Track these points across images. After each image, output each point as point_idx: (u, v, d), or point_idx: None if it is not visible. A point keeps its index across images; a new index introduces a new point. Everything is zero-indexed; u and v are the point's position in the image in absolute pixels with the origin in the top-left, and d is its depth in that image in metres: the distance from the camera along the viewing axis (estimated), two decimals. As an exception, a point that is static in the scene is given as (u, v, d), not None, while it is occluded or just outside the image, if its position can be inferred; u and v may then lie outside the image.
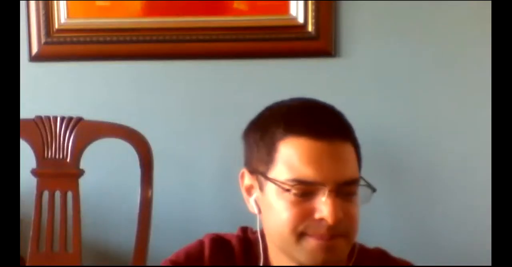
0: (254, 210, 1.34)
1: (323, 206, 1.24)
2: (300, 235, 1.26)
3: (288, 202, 1.26)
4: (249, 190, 1.34)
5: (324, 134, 1.26)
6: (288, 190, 1.25)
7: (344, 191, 1.26)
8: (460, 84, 2.35)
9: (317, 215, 1.25)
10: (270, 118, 1.32)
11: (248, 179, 1.34)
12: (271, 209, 1.28)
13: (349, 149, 1.28)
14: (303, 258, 1.28)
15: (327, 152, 1.26)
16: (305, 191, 1.25)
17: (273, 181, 1.27)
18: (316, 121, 1.28)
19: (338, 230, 1.25)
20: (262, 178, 1.30)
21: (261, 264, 1.36)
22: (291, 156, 1.26)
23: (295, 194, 1.25)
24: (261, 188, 1.31)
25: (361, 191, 1.30)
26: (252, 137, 1.33)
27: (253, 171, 1.32)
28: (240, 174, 1.36)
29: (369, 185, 1.30)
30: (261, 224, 1.34)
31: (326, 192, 1.24)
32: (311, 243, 1.26)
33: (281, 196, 1.26)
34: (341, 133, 1.28)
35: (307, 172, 1.25)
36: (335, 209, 1.23)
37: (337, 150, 1.26)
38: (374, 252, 1.40)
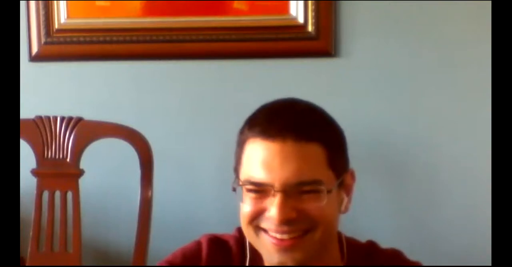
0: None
1: (271, 206, 1.26)
2: (256, 228, 1.29)
3: (249, 200, 1.29)
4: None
5: (277, 135, 1.27)
6: (234, 190, 1.30)
7: (301, 191, 1.27)
8: (460, 84, 2.35)
9: (266, 214, 1.28)
10: (246, 121, 1.35)
11: None
12: (240, 206, 1.32)
13: (309, 149, 1.27)
14: (264, 256, 1.32)
15: (278, 152, 1.26)
16: (258, 191, 1.28)
17: (237, 180, 1.31)
18: (271, 121, 1.30)
19: (294, 229, 1.27)
20: (236, 178, 1.34)
21: (247, 264, 1.37)
22: (248, 156, 1.30)
23: (252, 193, 1.28)
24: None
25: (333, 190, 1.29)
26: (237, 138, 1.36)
27: (234, 171, 1.36)
28: None
29: (325, 187, 1.28)
30: None
31: (273, 192, 1.26)
32: (266, 240, 1.29)
33: (246, 194, 1.30)
34: (297, 133, 1.27)
35: (256, 173, 1.28)
36: (282, 209, 1.25)
37: (289, 150, 1.26)
38: (388, 252, 1.40)
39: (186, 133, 2.42)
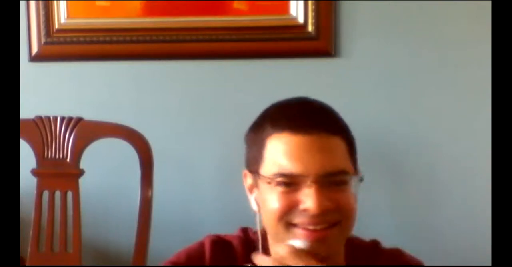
0: (255, 208, 1.36)
1: (307, 198, 1.27)
2: (288, 224, 1.29)
3: (277, 195, 1.29)
4: (251, 189, 1.37)
5: (303, 128, 1.29)
6: (270, 183, 1.29)
7: (331, 181, 1.28)
8: (460, 84, 2.35)
9: (301, 207, 1.28)
10: (262, 117, 1.36)
11: (249, 179, 1.38)
12: (265, 203, 1.32)
13: (334, 141, 1.30)
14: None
15: (307, 145, 1.28)
16: (289, 184, 1.29)
17: (262, 177, 1.31)
18: (296, 116, 1.32)
19: (327, 219, 1.28)
20: (256, 176, 1.33)
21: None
22: (275, 151, 1.30)
23: (282, 187, 1.29)
24: (257, 185, 1.34)
25: (354, 182, 1.32)
26: (248, 137, 1.37)
27: (250, 170, 1.36)
28: (243, 174, 1.39)
29: (357, 176, 1.32)
30: (261, 223, 1.36)
31: (308, 184, 1.27)
32: (297, 233, 1.29)
33: (272, 190, 1.30)
34: (323, 127, 1.30)
35: (289, 166, 1.28)
36: (319, 199, 1.26)
37: (318, 143, 1.29)
38: (390, 252, 1.42)
39: (186, 133, 2.42)
